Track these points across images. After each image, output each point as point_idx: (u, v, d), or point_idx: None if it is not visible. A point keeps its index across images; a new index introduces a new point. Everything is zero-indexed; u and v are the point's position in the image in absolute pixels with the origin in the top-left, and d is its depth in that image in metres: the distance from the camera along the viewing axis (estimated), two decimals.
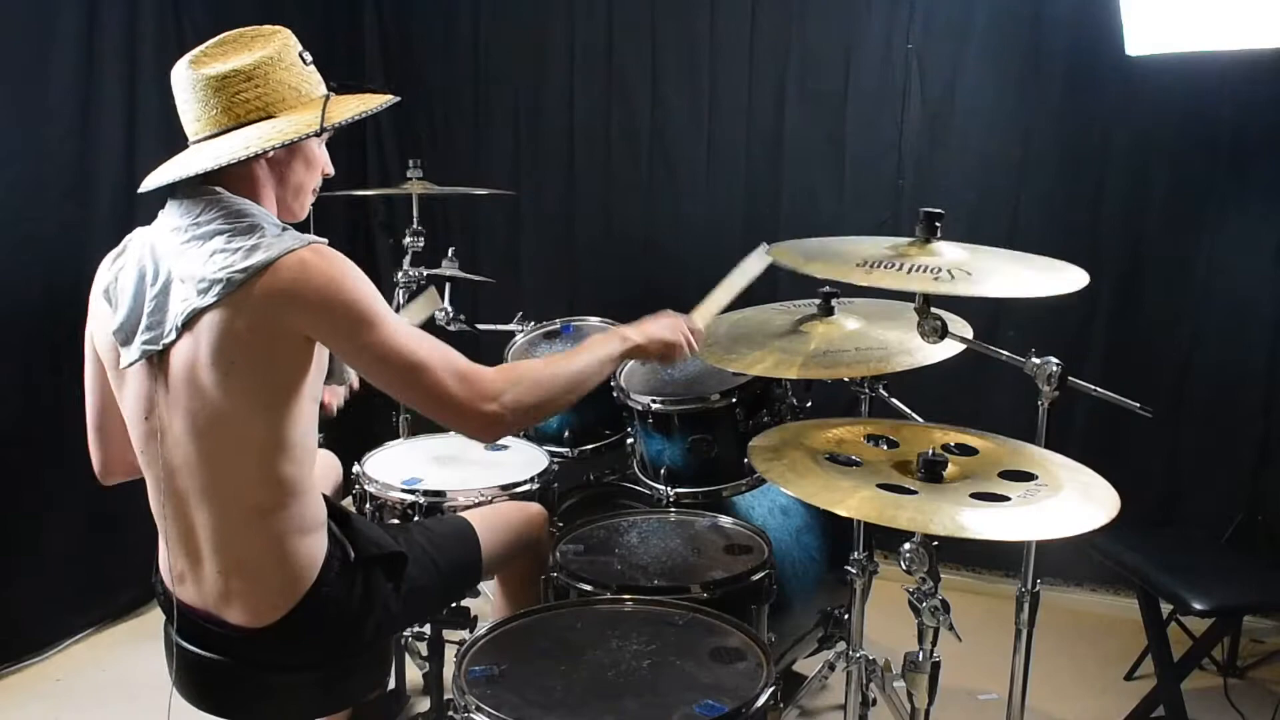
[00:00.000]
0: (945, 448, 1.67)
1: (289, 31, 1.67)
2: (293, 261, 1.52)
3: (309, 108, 1.64)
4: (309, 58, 1.68)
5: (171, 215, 1.62)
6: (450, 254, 3.05)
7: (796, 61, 3.44)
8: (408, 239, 3.01)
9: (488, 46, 3.85)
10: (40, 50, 2.81)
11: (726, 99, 3.55)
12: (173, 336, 1.55)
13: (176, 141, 1.70)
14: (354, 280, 1.55)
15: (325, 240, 1.59)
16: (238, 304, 1.51)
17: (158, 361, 1.59)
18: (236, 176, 1.61)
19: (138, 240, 1.66)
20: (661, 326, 1.89)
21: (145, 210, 1.72)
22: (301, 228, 1.66)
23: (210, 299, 1.52)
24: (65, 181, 2.91)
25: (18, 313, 2.83)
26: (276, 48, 1.63)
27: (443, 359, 1.58)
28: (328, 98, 1.66)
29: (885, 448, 1.71)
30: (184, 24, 3.17)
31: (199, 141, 1.63)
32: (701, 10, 3.53)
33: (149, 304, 1.59)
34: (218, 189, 1.60)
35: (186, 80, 1.61)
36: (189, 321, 1.54)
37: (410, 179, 3.01)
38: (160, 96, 3.09)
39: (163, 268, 1.59)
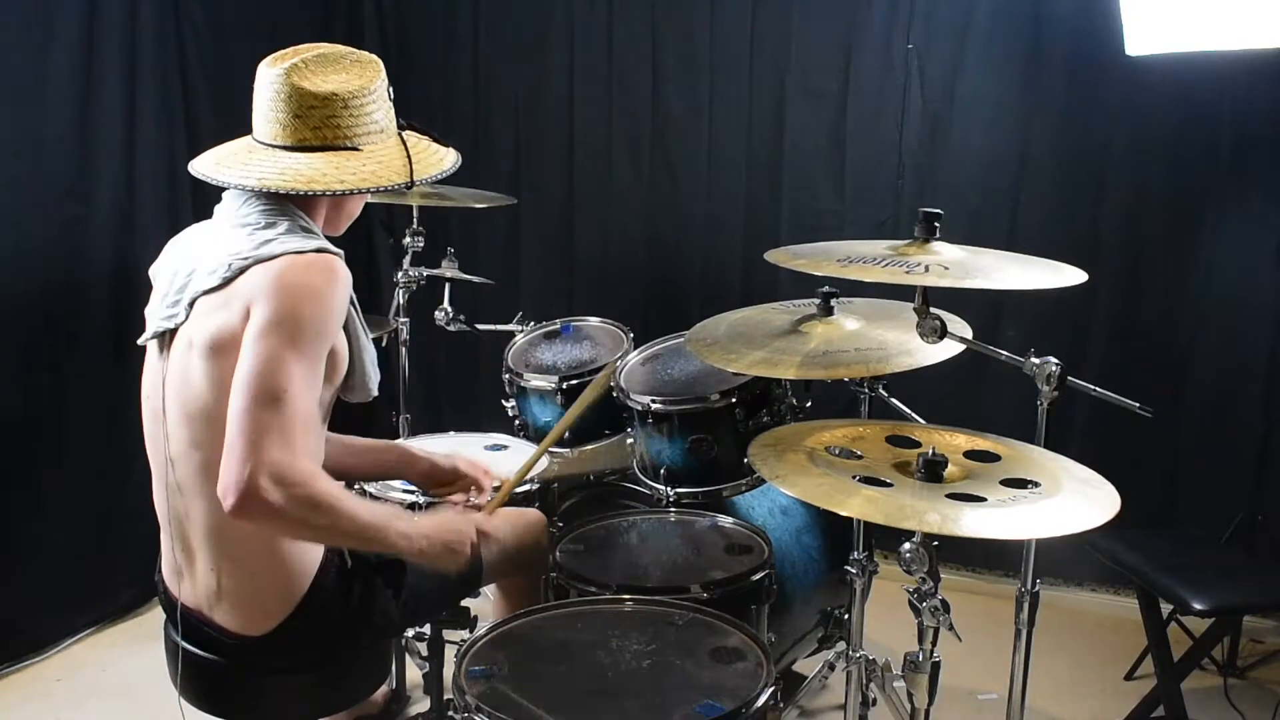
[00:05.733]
0: (969, 454, 1.65)
1: (381, 63, 1.73)
2: (289, 261, 1.54)
3: (389, 148, 1.69)
4: (392, 92, 1.73)
5: (223, 203, 1.68)
6: (450, 254, 3.05)
7: (796, 61, 3.43)
8: (408, 239, 3.01)
9: (488, 47, 3.84)
10: (40, 50, 2.81)
11: (726, 99, 3.54)
12: (182, 317, 1.59)
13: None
14: (323, 305, 1.52)
15: (341, 255, 1.61)
16: (232, 290, 1.54)
17: (166, 342, 1.61)
18: None
19: (199, 225, 1.72)
20: (446, 527, 1.75)
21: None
22: None
23: (214, 281, 1.55)
24: (65, 181, 2.90)
25: (17, 312, 2.83)
26: (372, 78, 1.68)
27: (301, 424, 1.47)
28: (404, 143, 1.71)
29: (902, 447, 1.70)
30: (184, 24, 3.17)
31: (279, 147, 1.64)
32: (701, 10, 3.52)
33: (176, 284, 1.63)
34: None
35: (281, 87, 1.62)
36: (193, 303, 1.57)
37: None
38: (160, 96, 3.15)
39: (194, 251, 1.63)
